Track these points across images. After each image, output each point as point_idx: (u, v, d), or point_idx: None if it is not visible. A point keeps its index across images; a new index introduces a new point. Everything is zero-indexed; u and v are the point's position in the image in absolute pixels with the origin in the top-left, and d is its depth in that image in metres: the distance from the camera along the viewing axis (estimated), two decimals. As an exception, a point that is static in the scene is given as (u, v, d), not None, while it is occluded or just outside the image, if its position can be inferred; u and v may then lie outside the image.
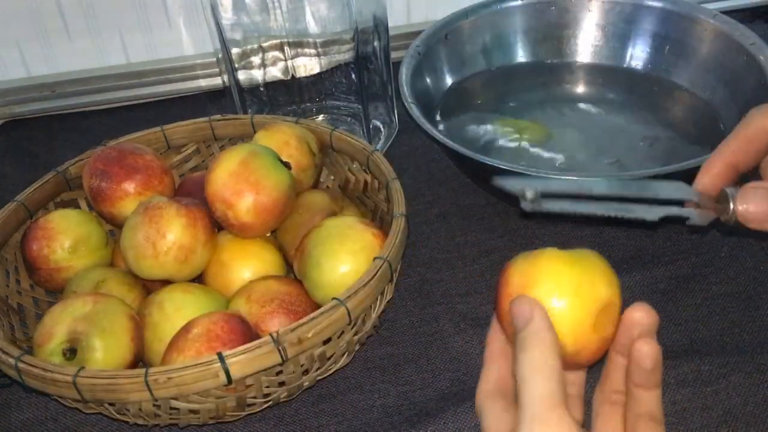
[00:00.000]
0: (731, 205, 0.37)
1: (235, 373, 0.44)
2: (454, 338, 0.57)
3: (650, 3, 0.77)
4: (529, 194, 0.37)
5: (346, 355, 0.52)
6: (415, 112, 0.65)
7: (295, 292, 0.54)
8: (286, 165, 0.57)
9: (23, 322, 0.56)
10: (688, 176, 0.58)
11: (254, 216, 0.55)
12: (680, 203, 0.39)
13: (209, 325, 0.48)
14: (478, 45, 0.79)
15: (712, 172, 0.40)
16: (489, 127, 0.71)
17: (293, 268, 0.56)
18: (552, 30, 0.80)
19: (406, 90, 0.68)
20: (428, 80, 0.74)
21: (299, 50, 0.73)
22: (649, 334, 0.37)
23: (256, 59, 0.72)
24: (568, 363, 0.37)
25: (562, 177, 0.37)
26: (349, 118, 0.76)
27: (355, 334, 0.51)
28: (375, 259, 0.50)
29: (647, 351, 0.36)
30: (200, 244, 0.55)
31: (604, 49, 0.79)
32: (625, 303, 0.59)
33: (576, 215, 0.38)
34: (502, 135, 0.70)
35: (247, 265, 0.57)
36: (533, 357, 0.34)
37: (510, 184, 0.38)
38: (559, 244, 0.39)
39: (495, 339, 0.40)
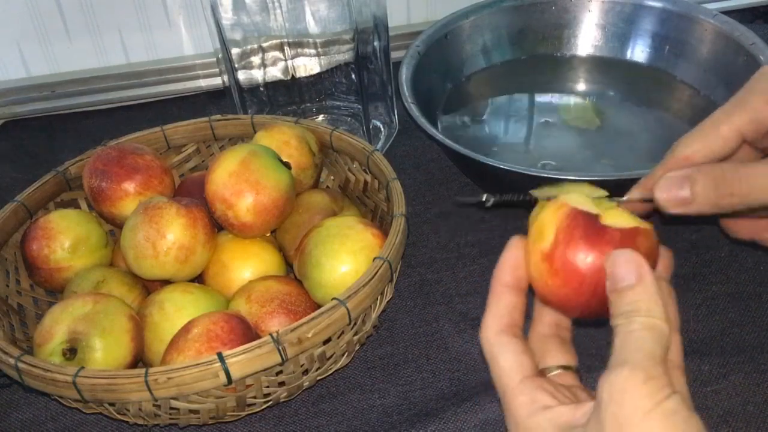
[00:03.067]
0: None
1: (235, 373, 0.44)
2: (454, 338, 0.57)
3: (650, 3, 0.77)
4: (489, 198, 0.42)
5: (346, 355, 0.52)
6: (415, 112, 0.65)
7: (295, 292, 0.54)
8: (286, 165, 0.58)
9: (23, 322, 0.56)
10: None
11: (254, 216, 0.55)
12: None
13: (209, 325, 0.48)
14: (478, 45, 0.79)
15: (643, 190, 0.43)
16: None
17: (293, 268, 0.56)
18: (552, 30, 0.80)
19: (406, 90, 0.68)
20: (428, 80, 0.74)
21: (299, 50, 0.73)
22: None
23: (256, 59, 0.72)
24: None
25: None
26: (349, 118, 0.76)
27: (355, 334, 0.51)
28: (375, 259, 0.50)
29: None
30: (200, 244, 0.55)
31: (604, 49, 0.79)
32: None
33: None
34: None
35: (247, 265, 0.57)
36: (647, 319, 0.34)
37: (471, 198, 0.42)
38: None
39: (506, 271, 0.40)
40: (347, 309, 0.47)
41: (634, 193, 0.43)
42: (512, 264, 0.40)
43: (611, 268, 0.36)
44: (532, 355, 0.39)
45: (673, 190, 0.39)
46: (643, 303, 0.34)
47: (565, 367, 0.40)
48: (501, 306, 0.39)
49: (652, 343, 0.33)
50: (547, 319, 0.42)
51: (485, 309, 0.40)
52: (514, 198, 0.42)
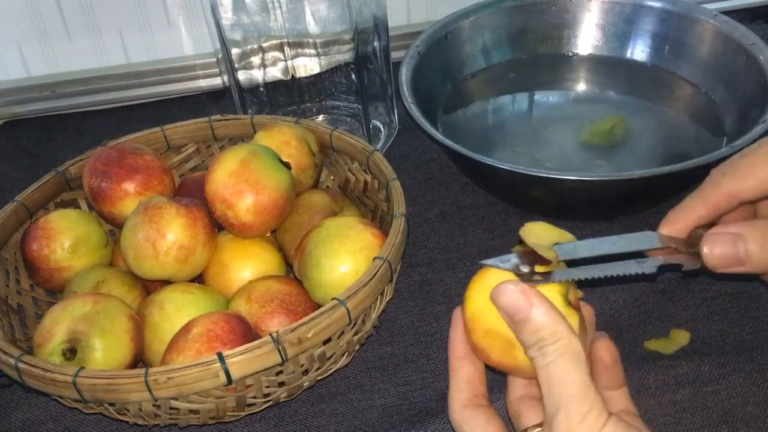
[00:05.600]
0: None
1: (235, 373, 0.44)
2: (454, 338, 0.57)
3: (650, 3, 0.77)
4: (525, 269, 0.38)
5: (346, 355, 0.52)
6: (415, 112, 0.65)
7: (295, 292, 0.54)
8: (286, 165, 0.57)
9: (23, 322, 0.56)
10: (687, 176, 0.58)
11: (254, 216, 0.55)
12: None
13: (209, 325, 0.48)
14: (478, 45, 0.79)
15: (675, 227, 0.40)
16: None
17: (293, 268, 0.56)
18: (552, 30, 0.80)
19: (406, 90, 0.68)
20: (428, 80, 0.74)
21: (299, 50, 0.73)
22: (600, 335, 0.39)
23: (256, 59, 0.72)
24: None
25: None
26: (349, 118, 0.76)
27: (355, 334, 0.51)
28: (375, 259, 0.50)
29: (606, 347, 0.38)
30: (200, 244, 0.55)
31: (604, 49, 0.79)
32: (627, 303, 0.59)
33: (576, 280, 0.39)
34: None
35: (247, 265, 0.57)
36: (556, 345, 0.34)
37: (502, 263, 0.38)
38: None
39: (459, 345, 0.41)
40: (347, 309, 0.47)
41: (665, 230, 0.40)
42: (463, 338, 0.41)
43: (501, 304, 0.36)
44: (499, 421, 0.39)
45: (725, 249, 0.37)
46: (545, 329, 0.34)
47: (541, 425, 0.40)
48: (459, 379, 0.40)
49: (573, 370, 0.33)
50: (519, 383, 0.42)
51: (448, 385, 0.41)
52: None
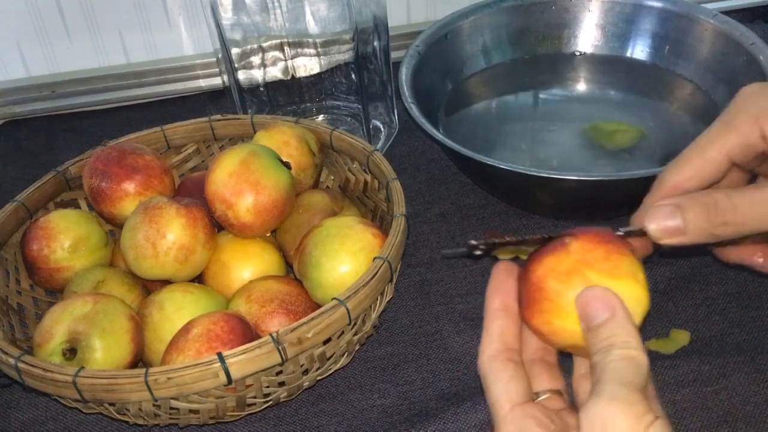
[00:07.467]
0: None
1: (235, 373, 0.44)
2: (454, 338, 0.57)
3: (650, 3, 0.77)
4: (478, 246, 0.40)
5: (346, 355, 0.52)
6: (415, 112, 0.65)
7: (295, 292, 0.54)
8: (286, 165, 0.58)
9: (23, 322, 0.57)
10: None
11: (254, 216, 0.55)
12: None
13: (209, 325, 0.48)
14: (478, 45, 0.79)
15: (638, 223, 0.42)
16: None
17: (293, 268, 0.56)
18: (552, 30, 0.80)
19: (406, 90, 0.68)
20: (428, 80, 0.74)
21: (299, 50, 0.73)
22: None
23: (256, 59, 0.72)
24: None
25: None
26: (349, 118, 0.76)
27: (355, 334, 0.51)
28: (375, 259, 0.50)
29: None
30: (200, 244, 0.55)
31: (604, 48, 0.79)
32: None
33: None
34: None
35: (247, 265, 0.57)
36: (623, 351, 0.33)
37: (460, 250, 0.40)
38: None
39: (497, 295, 0.40)
40: (347, 309, 0.47)
41: (630, 229, 0.41)
42: (502, 290, 0.40)
43: (582, 308, 0.36)
44: (524, 379, 0.38)
45: (664, 220, 0.38)
46: (618, 337, 0.34)
47: (554, 391, 0.40)
48: (492, 330, 0.39)
49: (629, 371, 0.33)
50: (533, 346, 0.42)
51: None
52: (501, 241, 0.40)
